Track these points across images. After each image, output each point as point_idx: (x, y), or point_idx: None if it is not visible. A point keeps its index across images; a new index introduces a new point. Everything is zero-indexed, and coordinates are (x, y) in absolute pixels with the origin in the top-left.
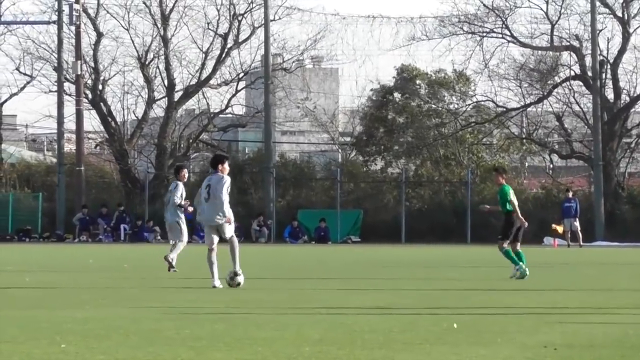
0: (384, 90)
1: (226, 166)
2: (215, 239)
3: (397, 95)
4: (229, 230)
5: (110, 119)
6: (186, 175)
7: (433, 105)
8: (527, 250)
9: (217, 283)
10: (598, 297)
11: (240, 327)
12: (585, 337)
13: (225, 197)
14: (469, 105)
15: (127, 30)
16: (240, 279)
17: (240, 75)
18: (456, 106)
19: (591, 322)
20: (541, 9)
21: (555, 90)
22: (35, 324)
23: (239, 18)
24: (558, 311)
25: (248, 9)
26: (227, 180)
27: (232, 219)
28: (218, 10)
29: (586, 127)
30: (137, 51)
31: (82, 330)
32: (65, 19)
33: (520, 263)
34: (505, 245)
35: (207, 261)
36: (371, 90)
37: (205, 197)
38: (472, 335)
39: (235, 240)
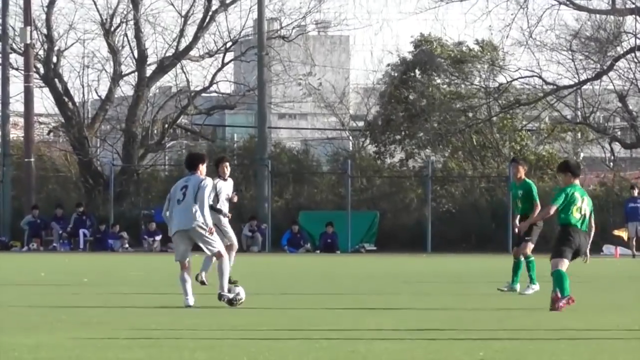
0: (404, 65)
1: (204, 168)
2: (188, 252)
3: (418, 72)
4: (217, 243)
5: (66, 99)
6: (227, 171)
7: (462, 84)
8: (582, 262)
9: (191, 301)
10: None
11: (228, 356)
12: None
13: (207, 202)
14: (509, 82)
15: None
16: (242, 293)
17: (228, 45)
18: (491, 83)
19: None
20: None
21: (617, 63)
22: None
23: None
24: (620, 336)
25: None
26: (210, 182)
27: (213, 229)
28: None
29: None
30: (100, 15)
31: None
32: None
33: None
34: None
35: (180, 279)
36: (388, 65)
37: (179, 199)
38: None
39: (227, 259)
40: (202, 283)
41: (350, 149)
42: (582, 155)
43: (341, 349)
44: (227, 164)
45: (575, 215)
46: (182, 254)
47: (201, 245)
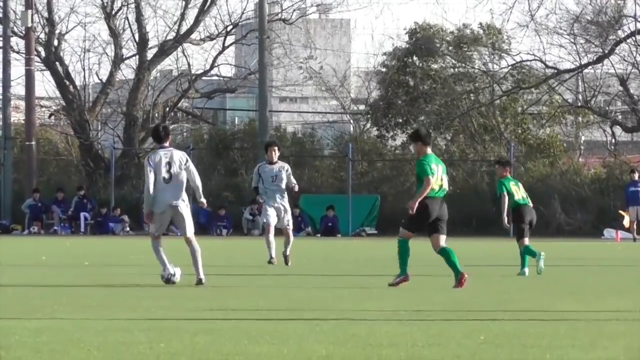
0: (400, 53)
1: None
2: (163, 228)
3: (416, 59)
4: (191, 227)
5: (68, 83)
6: (275, 155)
7: (462, 69)
8: (583, 245)
9: (172, 269)
10: None
11: (228, 339)
12: None
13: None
14: (511, 65)
15: None
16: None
17: (229, 28)
18: (493, 67)
19: None
20: None
21: (619, 47)
22: None
23: None
24: (621, 319)
25: None
26: (184, 154)
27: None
28: None
29: None
30: None
31: (34, 344)
32: None
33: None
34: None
35: (154, 250)
36: (384, 54)
37: (165, 177)
38: (515, 350)
39: (196, 242)
40: (286, 261)
41: (352, 132)
42: (583, 138)
43: (342, 332)
44: (276, 148)
45: (434, 186)
46: (159, 227)
47: (178, 224)
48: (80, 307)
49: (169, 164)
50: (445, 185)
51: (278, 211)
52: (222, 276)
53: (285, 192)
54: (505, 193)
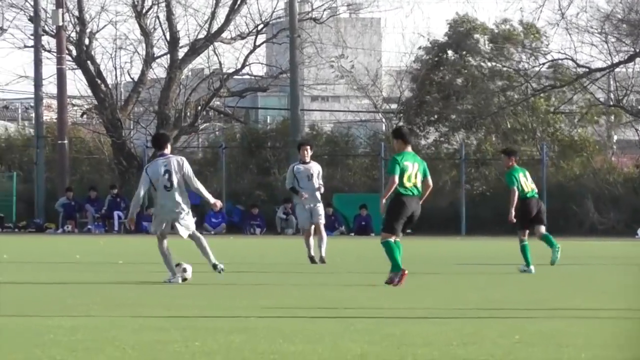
0: (435, 48)
1: (169, 147)
2: (166, 229)
3: (451, 53)
4: (192, 223)
5: (99, 81)
6: (307, 154)
7: (498, 66)
8: (616, 244)
9: (184, 267)
10: None
11: (263, 338)
12: None
13: (198, 182)
14: (543, 64)
15: None
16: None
17: (260, 27)
18: (527, 66)
19: None
20: None
21: None
22: (10, 333)
23: None
24: None
25: None
26: (186, 162)
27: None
28: None
29: None
30: None
31: (69, 342)
32: None
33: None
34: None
35: (160, 253)
36: (419, 48)
37: (166, 186)
38: (550, 350)
39: (197, 232)
40: (322, 261)
41: (384, 131)
42: (615, 137)
43: (376, 331)
44: (309, 147)
45: (406, 184)
46: (159, 229)
47: (180, 226)
48: (114, 306)
49: (168, 172)
50: (419, 184)
51: (313, 211)
52: (256, 275)
53: (318, 190)
54: (516, 188)
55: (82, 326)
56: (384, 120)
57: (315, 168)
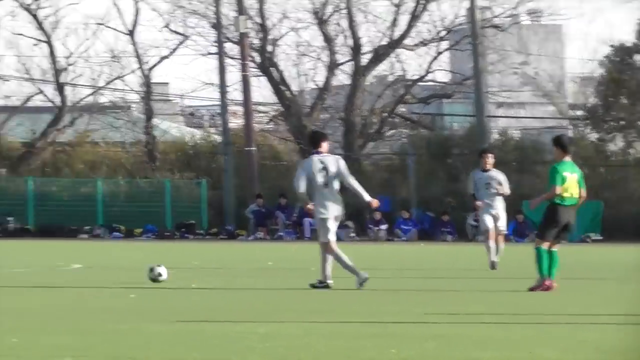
0: (622, 51)
1: (326, 145)
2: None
3: (638, 57)
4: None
5: (284, 88)
6: (488, 162)
7: None
8: None
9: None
10: None
11: (455, 345)
12: None
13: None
14: None
15: None
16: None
17: (442, 34)
18: None
19: None
20: None
21: None
22: (204, 339)
23: None
24: None
25: None
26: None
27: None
28: None
29: None
30: (312, 4)
31: (264, 349)
32: None
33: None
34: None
35: (337, 260)
36: (605, 56)
37: (325, 183)
38: None
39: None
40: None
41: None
42: None
43: (571, 337)
44: (490, 155)
45: (564, 194)
46: (334, 235)
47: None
48: (307, 312)
49: (325, 169)
50: (576, 194)
51: (495, 218)
52: (445, 281)
53: (501, 198)
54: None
55: (276, 333)
56: (570, 126)
57: (498, 176)
